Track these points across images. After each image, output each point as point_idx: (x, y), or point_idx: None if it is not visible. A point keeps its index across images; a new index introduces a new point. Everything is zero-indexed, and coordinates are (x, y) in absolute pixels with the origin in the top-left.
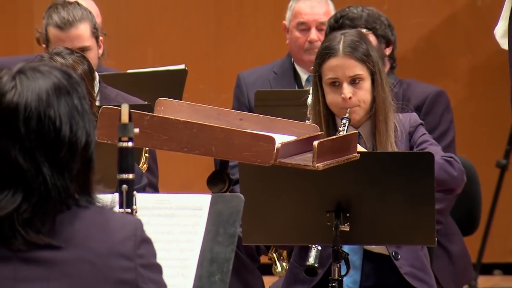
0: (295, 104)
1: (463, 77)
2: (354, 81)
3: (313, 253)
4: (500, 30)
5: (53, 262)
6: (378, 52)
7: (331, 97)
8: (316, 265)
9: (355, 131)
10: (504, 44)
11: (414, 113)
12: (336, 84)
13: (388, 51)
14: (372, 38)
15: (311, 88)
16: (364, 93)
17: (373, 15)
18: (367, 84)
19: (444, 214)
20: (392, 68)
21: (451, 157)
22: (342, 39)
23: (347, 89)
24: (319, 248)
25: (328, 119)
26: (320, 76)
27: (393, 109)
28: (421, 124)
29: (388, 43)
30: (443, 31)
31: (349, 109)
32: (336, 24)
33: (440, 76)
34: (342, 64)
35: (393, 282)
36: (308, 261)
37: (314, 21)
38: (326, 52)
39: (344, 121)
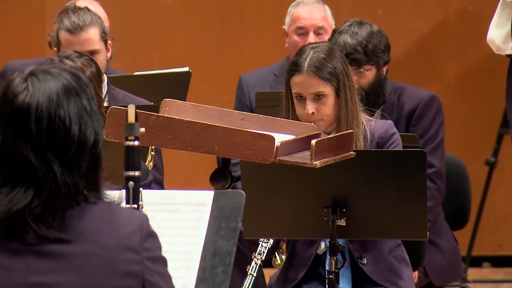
0: None
1: (454, 80)
2: (318, 96)
3: (247, 282)
4: (498, 37)
5: (63, 256)
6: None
7: (298, 110)
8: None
9: (351, 131)
10: (507, 49)
11: (389, 121)
12: (301, 98)
13: (384, 68)
14: (372, 72)
15: None
16: (327, 108)
17: (375, 47)
18: (330, 99)
19: (432, 212)
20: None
21: None
22: (309, 56)
23: (310, 105)
24: (254, 275)
25: None
26: (290, 88)
27: (364, 116)
28: (393, 134)
29: (385, 64)
30: (435, 35)
31: (313, 122)
32: None
33: (432, 79)
34: (305, 82)
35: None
36: None
37: (312, 26)
38: (292, 68)
39: None
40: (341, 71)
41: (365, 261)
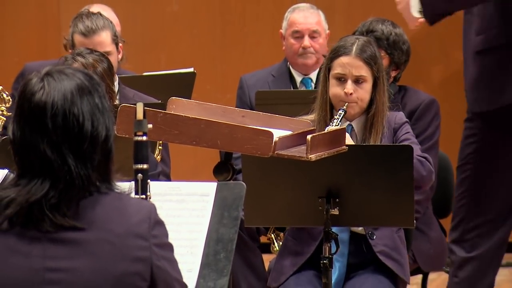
0: (291, 102)
1: (438, 81)
2: (358, 80)
3: (338, 118)
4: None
5: (78, 242)
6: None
7: (335, 90)
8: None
9: (344, 127)
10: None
11: (401, 112)
12: (342, 80)
13: (394, 73)
14: (385, 61)
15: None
16: (364, 92)
17: (398, 41)
18: (368, 85)
19: (422, 205)
20: (394, 80)
21: (424, 157)
22: (356, 42)
23: (350, 85)
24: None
25: (332, 107)
26: (329, 69)
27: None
28: (406, 122)
29: (397, 67)
30: (421, 39)
31: (347, 104)
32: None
33: (419, 80)
34: (351, 63)
35: (371, 259)
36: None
37: (307, 30)
38: (340, 50)
39: (340, 111)
40: (380, 62)
41: (374, 237)
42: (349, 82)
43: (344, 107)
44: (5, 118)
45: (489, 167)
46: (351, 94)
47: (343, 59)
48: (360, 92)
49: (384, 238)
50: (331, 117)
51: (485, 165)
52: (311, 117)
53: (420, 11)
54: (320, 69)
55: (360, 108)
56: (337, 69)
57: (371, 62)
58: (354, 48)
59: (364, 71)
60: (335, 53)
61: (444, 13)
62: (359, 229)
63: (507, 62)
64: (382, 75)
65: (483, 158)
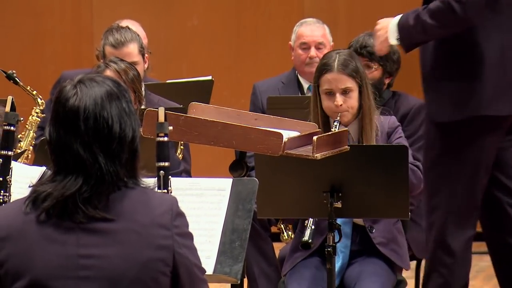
0: (299, 107)
1: None
2: (345, 91)
3: (308, 231)
4: None
5: (107, 232)
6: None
7: (326, 103)
8: (309, 240)
9: (346, 129)
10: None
11: (393, 117)
12: (330, 94)
13: (387, 80)
14: (379, 71)
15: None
16: (353, 101)
17: (389, 53)
18: (355, 94)
19: (416, 198)
20: (388, 86)
21: (416, 166)
22: (336, 58)
23: (339, 98)
24: (313, 227)
25: (324, 119)
26: (319, 86)
27: (377, 113)
28: (398, 126)
29: (390, 75)
30: (417, 51)
31: (340, 114)
32: (358, 51)
33: (414, 88)
34: (336, 78)
35: (371, 249)
36: (303, 237)
37: (313, 42)
38: (323, 68)
39: (335, 123)
40: (362, 71)
41: (374, 230)
42: (338, 95)
43: (338, 117)
44: (39, 119)
45: (449, 173)
46: (341, 105)
47: (328, 76)
48: (349, 102)
49: (383, 231)
50: (324, 127)
51: (446, 171)
52: None
53: (397, 39)
54: None
55: (352, 114)
56: (324, 85)
57: (353, 73)
58: (335, 64)
59: (349, 83)
60: (320, 71)
61: (421, 43)
62: (360, 221)
63: (468, 76)
64: (365, 82)
65: (443, 163)
